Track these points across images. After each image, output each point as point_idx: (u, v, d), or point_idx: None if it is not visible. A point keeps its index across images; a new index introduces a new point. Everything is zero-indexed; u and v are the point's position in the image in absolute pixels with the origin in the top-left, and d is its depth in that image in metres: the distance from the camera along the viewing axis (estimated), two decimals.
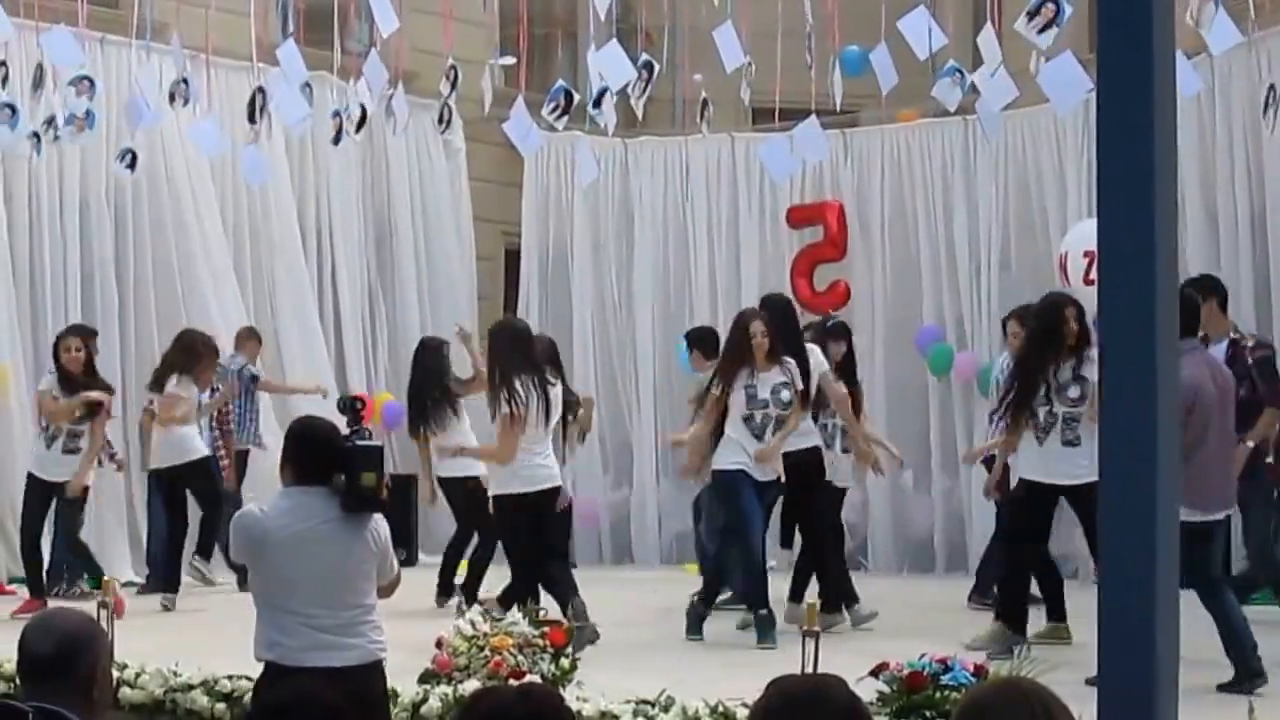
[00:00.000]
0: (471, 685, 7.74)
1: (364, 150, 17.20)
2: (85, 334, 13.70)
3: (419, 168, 17.86)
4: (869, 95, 15.08)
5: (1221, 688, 8.37)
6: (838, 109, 14.63)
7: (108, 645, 4.59)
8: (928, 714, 7.21)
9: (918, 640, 9.57)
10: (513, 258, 18.73)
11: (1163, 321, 3.11)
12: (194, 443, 12.98)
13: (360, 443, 6.57)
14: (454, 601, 11.82)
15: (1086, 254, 12.85)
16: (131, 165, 14.44)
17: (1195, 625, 9.03)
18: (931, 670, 7.39)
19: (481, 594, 11.23)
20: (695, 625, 10.86)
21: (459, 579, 12.34)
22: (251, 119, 14.34)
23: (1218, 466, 8.75)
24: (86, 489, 12.72)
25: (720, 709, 7.40)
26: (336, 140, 15.11)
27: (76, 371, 12.43)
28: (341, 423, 6.93)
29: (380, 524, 6.52)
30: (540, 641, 8.35)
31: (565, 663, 8.33)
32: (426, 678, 8.12)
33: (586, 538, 16.72)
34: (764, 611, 10.46)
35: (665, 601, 12.92)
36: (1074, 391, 9.52)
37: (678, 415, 14.84)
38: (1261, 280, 13.72)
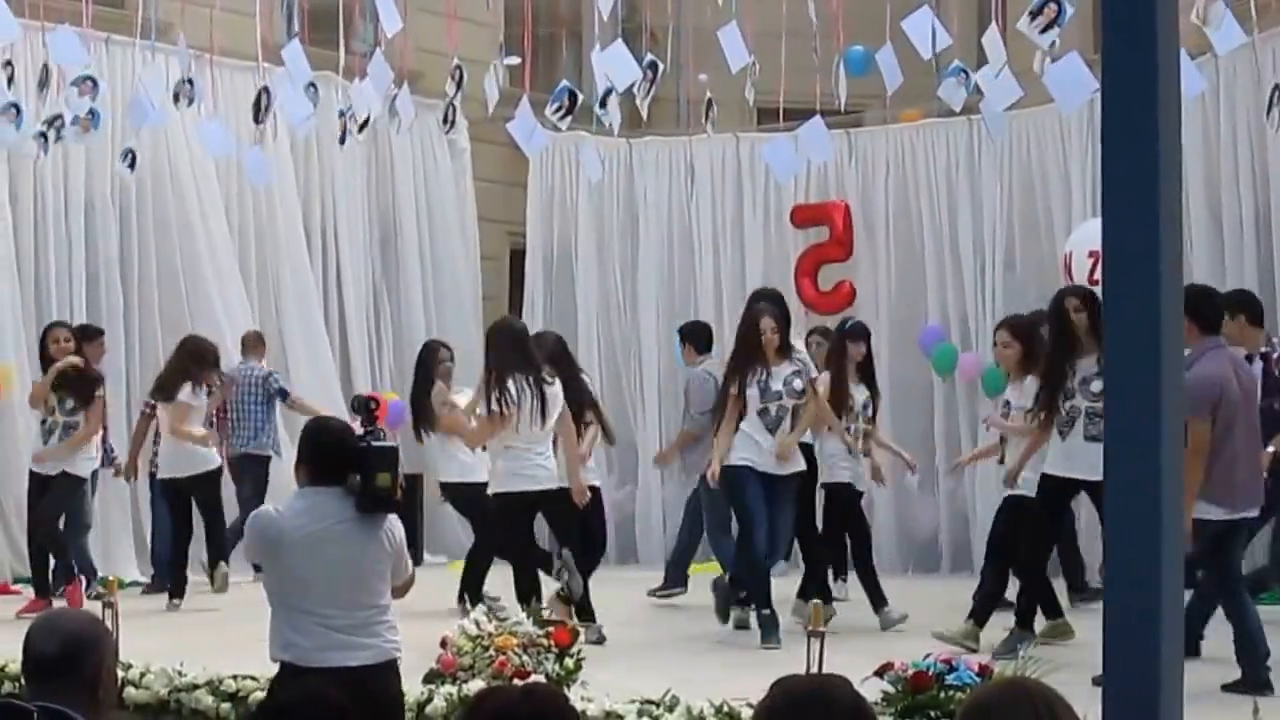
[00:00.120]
0: (476, 685, 7.75)
1: (369, 150, 17.20)
2: (90, 333, 13.73)
3: (424, 168, 17.85)
4: (873, 95, 15.09)
5: (1226, 688, 8.36)
6: (842, 109, 14.62)
7: (113, 645, 4.59)
8: (932, 714, 7.21)
9: (922, 640, 9.58)
10: (517, 258, 18.72)
11: (1167, 321, 3.11)
12: (207, 453, 12.99)
13: (375, 443, 6.57)
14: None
15: (1091, 254, 12.86)
16: (131, 164, 14.45)
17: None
18: (936, 670, 7.39)
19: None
20: (723, 609, 10.86)
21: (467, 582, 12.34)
22: (257, 119, 14.35)
23: (1244, 463, 8.68)
24: (81, 479, 12.61)
25: (725, 709, 7.40)
26: (343, 140, 15.12)
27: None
28: (356, 423, 6.95)
29: (395, 524, 6.54)
30: (545, 641, 8.35)
31: (570, 662, 8.34)
32: (431, 678, 8.13)
33: None
34: (766, 611, 10.46)
35: (669, 601, 12.95)
36: (1097, 386, 9.45)
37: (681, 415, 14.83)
38: (1266, 280, 13.70)
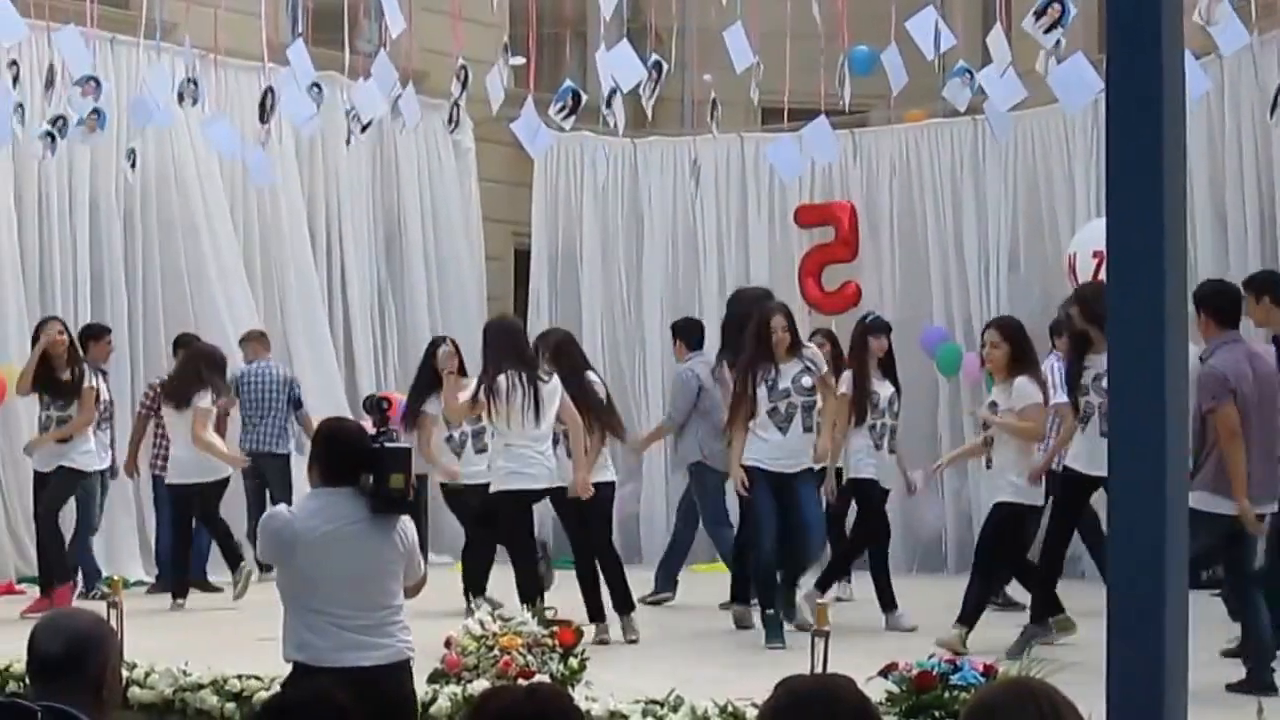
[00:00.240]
0: (480, 685, 7.75)
1: (374, 151, 17.21)
2: (96, 331, 13.73)
3: (429, 168, 17.85)
4: (878, 95, 15.09)
5: (1231, 688, 8.36)
6: (846, 109, 14.62)
7: (117, 645, 4.59)
8: (936, 714, 7.20)
9: (927, 640, 9.58)
10: (522, 258, 18.72)
11: (1171, 321, 3.11)
12: (219, 461, 13.01)
13: (388, 444, 6.59)
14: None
15: (1095, 254, 12.85)
16: (132, 163, 14.47)
17: (1203, 625, 9.05)
18: (940, 670, 7.38)
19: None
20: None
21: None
22: (263, 119, 14.37)
23: (1259, 458, 8.66)
24: (80, 472, 12.53)
25: (729, 709, 7.40)
26: (348, 141, 15.12)
27: (59, 353, 12.38)
28: (368, 422, 6.98)
29: (408, 525, 6.55)
30: (549, 641, 8.35)
31: (574, 662, 8.34)
32: (435, 677, 8.13)
33: None
34: (771, 611, 10.46)
35: (673, 601, 12.94)
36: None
37: None
38: None
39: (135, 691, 8.45)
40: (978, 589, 10.21)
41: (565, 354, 11.11)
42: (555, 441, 10.76)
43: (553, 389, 10.61)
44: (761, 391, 10.52)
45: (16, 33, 13.30)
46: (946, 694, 7.25)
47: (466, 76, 14.22)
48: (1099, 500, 10.23)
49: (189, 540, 13.12)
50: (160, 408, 13.60)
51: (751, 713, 7.07)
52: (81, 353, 12.89)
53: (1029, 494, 10.20)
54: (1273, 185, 13.84)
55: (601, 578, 10.76)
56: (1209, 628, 9.23)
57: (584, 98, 13.73)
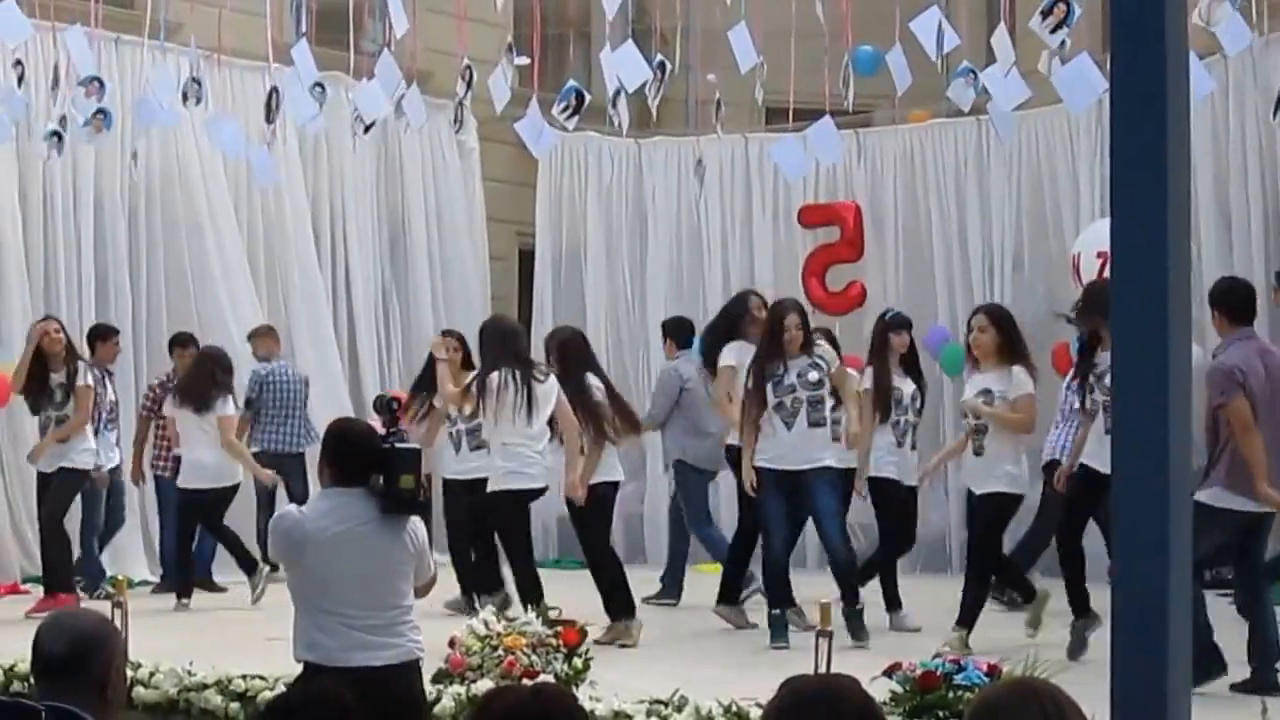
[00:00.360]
0: (484, 685, 7.75)
1: (378, 151, 17.21)
2: (103, 332, 13.74)
3: (433, 168, 17.85)
4: (882, 95, 15.08)
5: (1235, 687, 8.35)
6: (850, 109, 14.62)
7: (122, 645, 4.60)
8: (941, 714, 7.20)
9: (931, 640, 9.58)
10: (526, 258, 18.73)
11: (1175, 321, 3.11)
12: (232, 467, 13.00)
13: (398, 445, 6.60)
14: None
15: (1100, 254, 12.84)
16: (134, 158, 14.47)
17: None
18: (945, 670, 7.39)
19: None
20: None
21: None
22: (269, 119, 14.38)
23: (1271, 454, 8.61)
24: (81, 471, 12.45)
25: (733, 709, 7.40)
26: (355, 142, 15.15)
27: (56, 351, 12.35)
28: (377, 422, 7.01)
29: (418, 525, 6.57)
30: (553, 641, 8.35)
31: (578, 662, 8.34)
32: (440, 677, 8.13)
33: None
34: (776, 612, 10.45)
35: (677, 605, 12.95)
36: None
37: None
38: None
39: (140, 691, 8.45)
40: (975, 589, 10.19)
41: (568, 353, 11.06)
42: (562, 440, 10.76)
43: (549, 389, 10.57)
44: (769, 388, 10.51)
45: (21, 32, 13.31)
46: (950, 694, 7.25)
47: (471, 76, 14.23)
48: None
49: (191, 540, 13.11)
50: (159, 408, 13.62)
51: (755, 713, 7.07)
52: (88, 353, 12.88)
53: (1022, 484, 10.20)
54: (1277, 185, 13.84)
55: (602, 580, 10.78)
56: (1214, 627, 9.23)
57: (588, 97, 13.73)
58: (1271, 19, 13.18)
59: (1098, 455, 9.55)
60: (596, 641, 10.15)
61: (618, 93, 13.57)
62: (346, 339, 16.96)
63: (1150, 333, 3.11)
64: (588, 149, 17.77)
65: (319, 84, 14.34)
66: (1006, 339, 10.22)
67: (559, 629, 8.48)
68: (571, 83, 13.87)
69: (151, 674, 8.59)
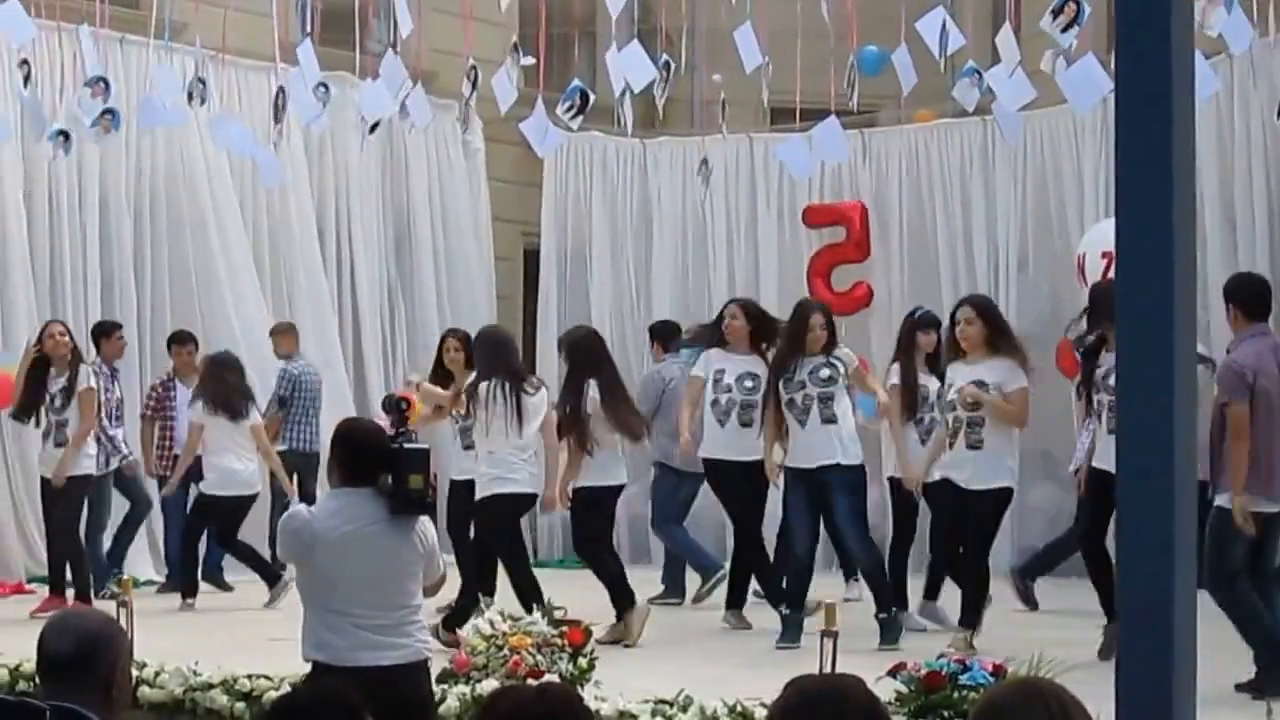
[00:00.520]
0: (490, 685, 7.75)
1: (383, 150, 17.21)
2: (107, 328, 13.73)
3: (438, 168, 17.85)
4: (887, 95, 15.08)
5: (1240, 688, 8.34)
6: (855, 109, 14.62)
7: (127, 644, 4.61)
8: (945, 714, 7.20)
9: (936, 640, 9.58)
10: (531, 258, 18.72)
11: (1180, 321, 3.11)
12: (251, 477, 12.98)
13: (407, 445, 6.61)
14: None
15: (1104, 254, 12.83)
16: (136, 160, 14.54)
17: (1210, 624, 9.02)
18: (949, 670, 7.38)
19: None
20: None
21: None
22: (276, 119, 14.39)
23: None
24: (84, 478, 12.29)
25: (739, 709, 7.40)
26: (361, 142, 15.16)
27: (61, 354, 12.25)
28: (386, 422, 7.02)
29: (427, 525, 6.59)
30: (558, 641, 8.35)
31: (583, 662, 8.33)
32: (445, 677, 8.12)
33: None
34: (787, 612, 10.44)
35: (680, 604, 12.95)
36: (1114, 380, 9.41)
37: None
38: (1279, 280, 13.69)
39: (145, 691, 8.45)
40: (974, 588, 10.17)
41: (576, 356, 11.07)
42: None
43: (538, 401, 10.57)
44: (780, 385, 10.50)
45: (27, 32, 13.32)
46: (955, 694, 7.25)
47: (476, 76, 14.23)
48: None
49: (197, 541, 13.10)
50: (162, 409, 13.63)
51: (761, 712, 7.08)
52: (93, 350, 12.86)
53: (1016, 479, 10.19)
54: None
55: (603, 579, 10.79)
56: (1217, 626, 9.22)
57: (592, 97, 13.73)
58: (1277, 19, 13.17)
59: (1106, 456, 9.54)
60: (598, 641, 10.16)
61: (623, 93, 13.57)
62: (351, 339, 16.96)
63: (1155, 332, 3.11)
64: (593, 149, 17.78)
65: (323, 84, 14.34)
66: (994, 330, 10.13)
67: (564, 629, 8.47)
68: (576, 82, 13.88)
69: (157, 674, 8.59)
